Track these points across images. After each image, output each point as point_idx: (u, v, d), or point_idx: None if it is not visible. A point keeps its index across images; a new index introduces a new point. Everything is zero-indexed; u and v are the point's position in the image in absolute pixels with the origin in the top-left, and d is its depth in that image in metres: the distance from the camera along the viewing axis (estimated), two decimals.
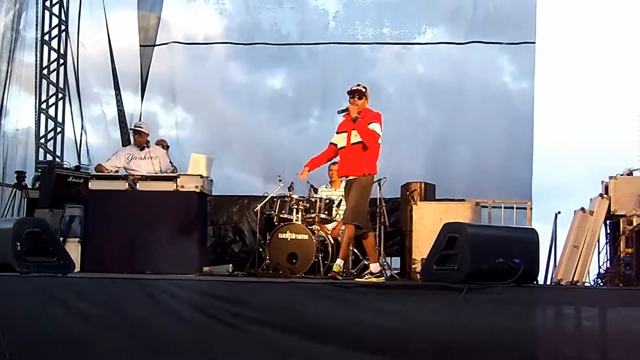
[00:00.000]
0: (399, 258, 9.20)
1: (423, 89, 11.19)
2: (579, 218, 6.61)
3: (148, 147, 8.89)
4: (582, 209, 6.68)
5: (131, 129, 8.97)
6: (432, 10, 11.32)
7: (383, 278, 7.26)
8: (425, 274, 5.83)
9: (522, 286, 5.32)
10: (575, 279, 6.40)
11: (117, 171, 8.62)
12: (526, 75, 10.65)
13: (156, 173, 8.49)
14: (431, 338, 5.14)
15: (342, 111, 7.33)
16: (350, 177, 7.23)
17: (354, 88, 7.33)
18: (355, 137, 7.17)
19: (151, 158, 8.76)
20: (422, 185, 8.70)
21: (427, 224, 7.89)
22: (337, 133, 7.45)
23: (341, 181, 7.76)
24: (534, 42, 10.34)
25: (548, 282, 6.86)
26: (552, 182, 11.56)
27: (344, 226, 8.37)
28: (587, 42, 11.26)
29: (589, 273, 6.62)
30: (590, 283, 6.63)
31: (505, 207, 8.91)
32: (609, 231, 6.99)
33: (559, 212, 7.20)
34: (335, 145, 7.45)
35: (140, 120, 11.57)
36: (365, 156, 7.17)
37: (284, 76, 12.10)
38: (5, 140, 10.75)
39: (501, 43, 10.82)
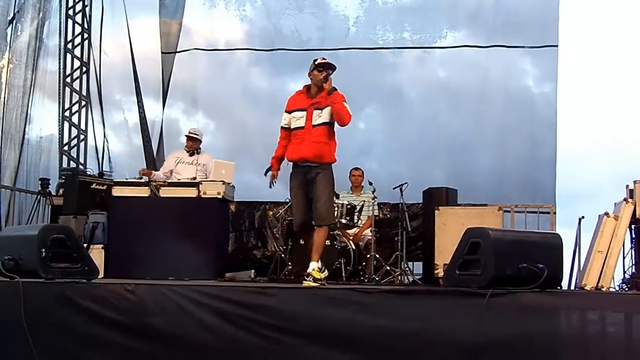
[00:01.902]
0: (422, 263, 9.17)
1: (445, 93, 11.17)
2: (603, 223, 6.54)
3: (198, 153, 9.00)
4: (607, 213, 6.60)
5: (187, 135, 9.02)
6: (453, 14, 11.31)
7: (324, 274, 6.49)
8: (448, 280, 5.80)
9: (546, 291, 5.27)
10: (599, 284, 6.33)
11: (140, 178, 8.67)
12: (549, 79, 10.59)
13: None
14: (454, 344, 5.10)
15: (327, 74, 6.55)
16: (312, 164, 6.51)
17: (326, 60, 6.62)
18: (319, 118, 6.51)
19: (198, 164, 8.84)
20: (445, 190, 8.67)
21: (449, 229, 7.84)
22: (289, 112, 6.69)
23: (295, 165, 6.63)
24: (556, 46, 10.28)
25: (572, 288, 6.80)
26: (576, 187, 11.49)
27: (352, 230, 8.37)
28: (610, 44, 11.19)
29: (613, 278, 6.55)
30: (615, 288, 6.56)
31: (528, 212, 8.87)
32: (634, 236, 6.90)
33: (583, 217, 7.13)
34: (285, 128, 6.71)
35: (162, 126, 11.68)
36: (329, 141, 6.59)
37: (305, 81, 12.08)
38: (29, 148, 10.85)
39: (523, 47, 10.76)
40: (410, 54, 11.48)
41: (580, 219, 7.15)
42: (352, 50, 11.36)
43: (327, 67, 6.57)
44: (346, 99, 6.58)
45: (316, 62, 6.61)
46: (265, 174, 6.87)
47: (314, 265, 6.42)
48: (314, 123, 6.53)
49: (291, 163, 6.69)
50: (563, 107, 10.23)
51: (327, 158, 6.59)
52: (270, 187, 6.87)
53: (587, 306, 5.20)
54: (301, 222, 6.64)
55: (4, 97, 10.27)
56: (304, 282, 6.40)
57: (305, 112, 6.57)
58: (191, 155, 8.96)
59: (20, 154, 10.61)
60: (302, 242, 7.35)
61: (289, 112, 6.68)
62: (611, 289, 6.44)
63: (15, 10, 10.54)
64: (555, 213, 8.93)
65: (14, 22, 10.53)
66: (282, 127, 6.75)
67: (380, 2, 11.61)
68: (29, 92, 10.82)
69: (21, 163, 10.62)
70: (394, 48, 11.44)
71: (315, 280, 6.31)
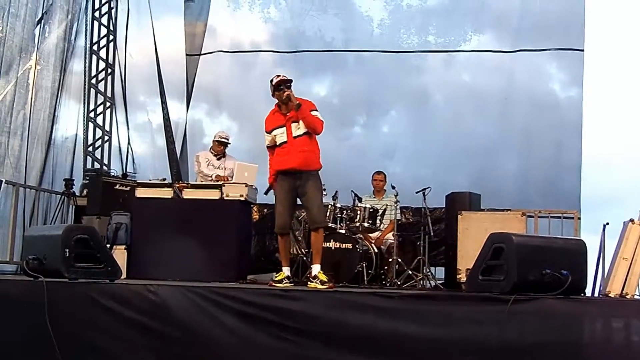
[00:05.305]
0: (444, 268, 9.11)
1: (469, 97, 11.07)
2: (628, 229, 6.46)
3: (224, 157, 9.09)
4: (632, 220, 6.53)
5: (219, 140, 9.10)
6: (478, 17, 11.21)
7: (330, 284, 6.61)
8: (470, 285, 5.78)
9: (570, 298, 5.24)
10: (624, 292, 6.26)
11: (164, 179, 8.71)
12: (575, 83, 10.47)
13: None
14: (476, 349, 5.08)
15: (288, 93, 6.75)
16: (301, 171, 6.80)
17: (283, 77, 6.84)
18: (297, 130, 6.79)
19: (225, 169, 8.89)
20: (468, 195, 8.61)
21: (472, 234, 7.77)
22: (269, 132, 6.97)
23: (283, 173, 6.91)
24: (582, 50, 10.18)
25: (596, 295, 6.74)
26: (601, 192, 11.37)
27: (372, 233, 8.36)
28: (636, 48, 11.05)
29: (638, 285, 6.47)
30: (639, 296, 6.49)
31: (552, 217, 8.79)
32: None
33: (607, 223, 7.05)
34: (271, 147, 7.00)
35: (185, 127, 11.70)
36: (314, 149, 6.87)
37: (329, 83, 12.09)
38: (55, 148, 10.93)
39: (549, 49, 10.66)
40: (435, 56, 11.40)
41: (604, 225, 7.06)
42: (376, 52, 11.33)
43: (285, 84, 6.84)
44: (315, 105, 6.91)
45: (273, 83, 6.89)
46: (266, 193, 7.35)
47: (318, 268, 6.73)
48: (294, 135, 6.83)
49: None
50: (589, 112, 10.13)
51: (314, 165, 6.91)
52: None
53: (611, 314, 5.17)
54: (283, 224, 6.92)
55: (31, 98, 10.36)
56: (309, 284, 6.62)
57: (284, 128, 6.87)
58: (218, 159, 9.01)
59: (46, 154, 10.70)
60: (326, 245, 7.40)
61: (270, 132, 6.99)
62: (636, 297, 6.37)
63: (44, 12, 10.63)
64: (579, 219, 8.84)
65: (42, 23, 10.61)
66: (267, 147, 7.09)
67: (405, 4, 11.54)
68: (57, 94, 10.92)
69: (47, 164, 10.71)
70: (418, 52, 11.37)
71: (322, 282, 6.52)
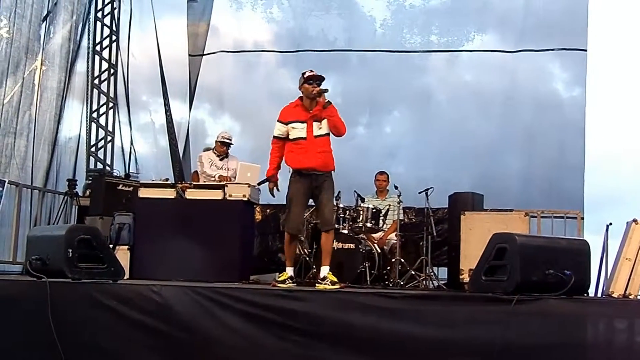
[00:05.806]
0: (447, 269, 9.12)
1: (472, 97, 11.05)
2: (631, 230, 6.46)
3: (227, 157, 9.06)
4: (635, 220, 6.52)
5: (221, 140, 9.06)
6: (481, 17, 11.21)
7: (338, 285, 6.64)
8: (473, 285, 5.76)
9: (573, 298, 5.23)
10: (627, 292, 6.26)
11: (166, 179, 8.72)
12: (578, 83, 10.46)
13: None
14: (479, 350, 5.07)
15: (323, 91, 6.76)
16: (318, 173, 6.76)
17: (314, 73, 6.78)
18: (319, 130, 6.75)
19: (228, 169, 8.89)
20: (471, 195, 8.61)
21: (475, 235, 7.77)
22: (285, 123, 6.82)
23: (299, 173, 6.83)
24: (585, 50, 10.16)
25: (599, 295, 6.73)
26: (604, 193, 11.35)
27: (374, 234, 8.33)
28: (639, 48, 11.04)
29: None
30: None
31: (555, 218, 8.78)
32: None
33: (611, 224, 7.04)
34: (280, 138, 6.89)
35: (188, 127, 11.70)
36: (330, 150, 6.85)
37: (331, 83, 11.98)
38: (58, 148, 10.94)
39: (552, 49, 10.64)
40: (437, 56, 11.38)
41: (608, 226, 7.06)
42: (378, 52, 11.32)
43: (316, 80, 6.77)
44: (337, 110, 6.85)
45: (305, 76, 6.81)
46: (260, 184, 7.27)
47: (327, 269, 6.70)
48: (315, 134, 6.77)
49: (291, 170, 6.92)
50: (592, 112, 10.11)
51: (331, 167, 6.89)
52: (274, 196, 7.18)
53: (614, 314, 5.16)
54: (297, 226, 6.93)
55: (37, 99, 10.37)
56: (317, 285, 6.62)
57: (304, 124, 6.77)
58: (221, 159, 9.00)
59: (52, 155, 10.70)
60: None
61: (286, 123, 6.83)
62: (639, 297, 6.36)
63: (48, 10, 10.63)
64: (582, 219, 8.84)
65: (47, 24, 10.61)
66: (275, 137, 6.94)
67: (407, 4, 11.54)
68: (62, 94, 10.93)
69: (52, 164, 10.72)
70: (421, 51, 11.36)
71: (333, 283, 6.52)
